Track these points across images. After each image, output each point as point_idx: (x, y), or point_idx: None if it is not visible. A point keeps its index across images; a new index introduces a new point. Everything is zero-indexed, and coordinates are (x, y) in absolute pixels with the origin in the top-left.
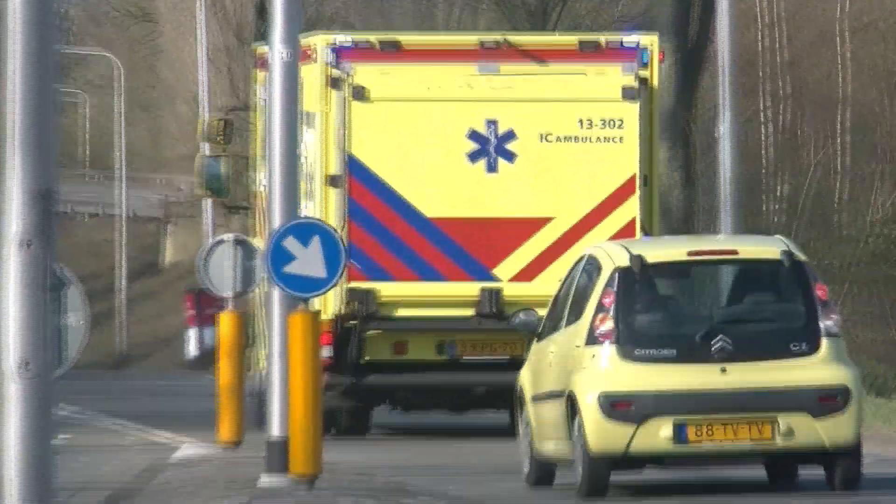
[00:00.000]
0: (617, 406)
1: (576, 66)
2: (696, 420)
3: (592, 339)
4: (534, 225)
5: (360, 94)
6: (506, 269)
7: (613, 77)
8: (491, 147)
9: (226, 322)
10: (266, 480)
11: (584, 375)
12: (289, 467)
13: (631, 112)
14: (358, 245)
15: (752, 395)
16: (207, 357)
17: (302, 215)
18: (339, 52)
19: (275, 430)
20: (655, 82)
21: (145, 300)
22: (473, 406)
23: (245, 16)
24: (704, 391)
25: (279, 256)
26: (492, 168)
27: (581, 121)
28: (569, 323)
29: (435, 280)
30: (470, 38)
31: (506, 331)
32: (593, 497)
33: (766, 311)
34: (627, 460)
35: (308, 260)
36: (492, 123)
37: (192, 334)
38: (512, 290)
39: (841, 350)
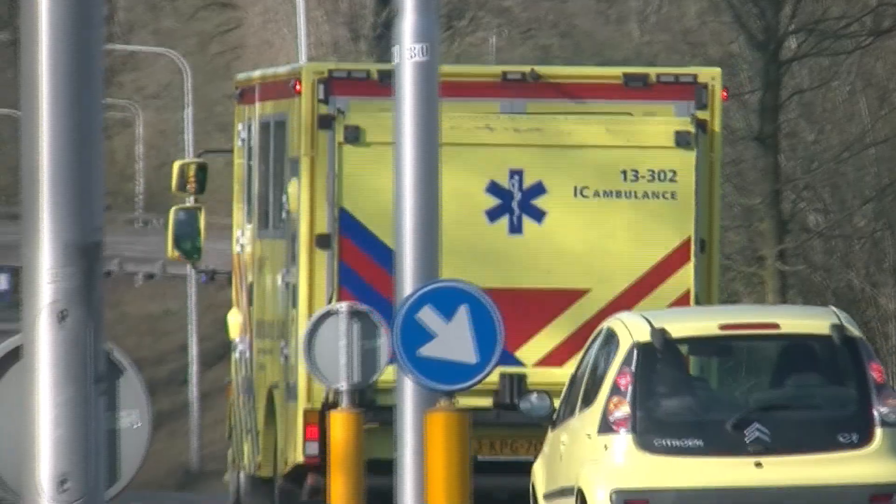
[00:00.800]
0: None
1: (620, 105)
2: None
3: (606, 427)
4: (565, 298)
5: (354, 135)
6: (531, 352)
7: (665, 119)
8: (514, 203)
9: (339, 424)
10: None
11: (595, 469)
12: None
13: (686, 162)
14: None
15: (793, 495)
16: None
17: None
18: (330, 84)
19: None
20: (717, 126)
21: (223, 394)
22: None
23: (361, 2)
24: (736, 488)
25: (412, 334)
26: (515, 229)
27: (625, 172)
28: (582, 408)
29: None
30: (492, 70)
31: (531, 426)
32: None
33: (811, 396)
34: None
35: (451, 339)
36: (516, 174)
37: None
38: (538, 377)
39: None
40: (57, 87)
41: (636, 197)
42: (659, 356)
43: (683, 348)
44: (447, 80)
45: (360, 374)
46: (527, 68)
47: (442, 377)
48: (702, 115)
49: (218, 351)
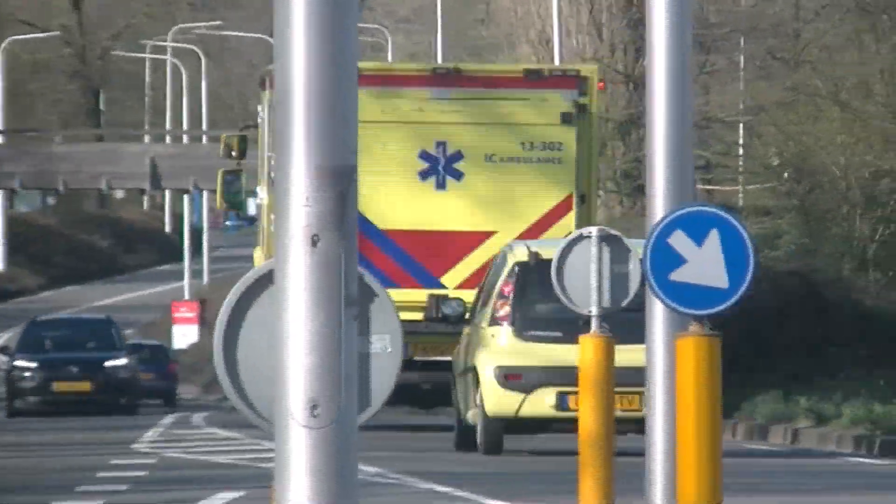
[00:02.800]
0: (510, 377)
1: (521, 92)
2: (576, 391)
3: (493, 321)
4: (478, 238)
5: None
6: (452, 278)
7: (554, 103)
8: (440, 166)
9: (589, 348)
10: None
11: (484, 352)
12: None
13: (569, 135)
14: None
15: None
16: None
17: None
18: None
19: (657, 497)
20: (594, 108)
21: None
22: (429, 404)
23: None
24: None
25: (663, 258)
26: (440, 185)
27: (523, 143)
28: (480, 309)
29: (387, 287)
30: (425, 66)
31: (453, 334)
32: (490, 453)
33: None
34: (518, 423)
35: (703, 263)
36: (441, 144)
37: None
38: (456, 296)
39: None
40: (312, 10)
41: (532, 162)
42: (532, 271)
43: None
44: (393, 74)
45: (610, 299)
46: (451, 65)
47: (693, 302)
48: (582, 100)
49: None
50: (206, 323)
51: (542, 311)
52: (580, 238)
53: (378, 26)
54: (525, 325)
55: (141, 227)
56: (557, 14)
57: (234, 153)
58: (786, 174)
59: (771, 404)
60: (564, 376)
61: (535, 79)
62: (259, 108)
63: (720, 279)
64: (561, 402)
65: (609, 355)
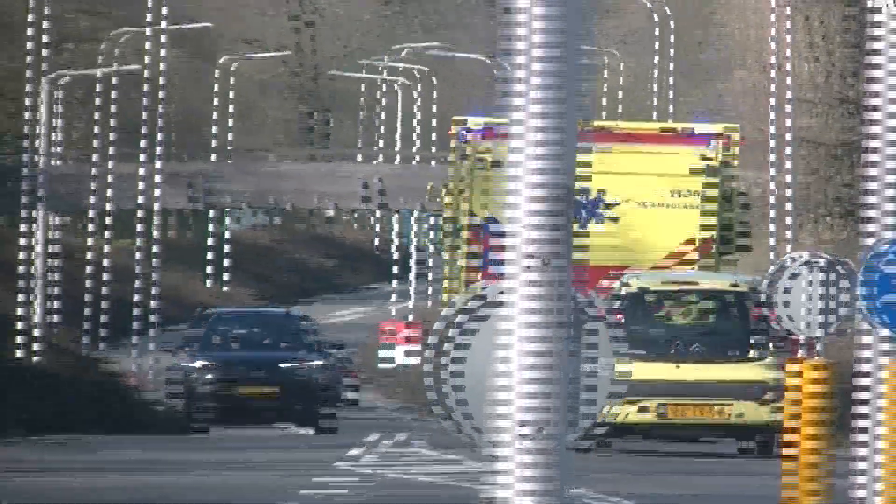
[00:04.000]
0: None
1: (656, 147)
2: (675, 402)
3: None
4: (612, 272)
5: (495, 164)
6: None
7: (684, 157)
8: (582, 208)
9: (810, 374)
10: None
11: None
12: None
13: (696, 185)
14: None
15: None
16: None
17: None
18: (470, 132)
19: None
20: (736, 161)
21: None
22: None
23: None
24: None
25: (878, 283)
26: (582, 225)
27: (656, 190)
28: None
29: None
30: (589, 124)
31: None
32: (601, 453)
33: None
34: (626, 429)
35: None
36: (584, 190)
37: None
38: None
39: None
40: (545, 28)
41: (663, 207)
42: (640, 300)
43: (656, 295)
44: None
45: (836, 325)
46: (610, 123)
47: None
48: (709, 154)
49: None
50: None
51: (646, 334)
52: (807, 264)
53: (610, 48)
54: (632, 345)
55: (361, 246)
56: (791, 39)
57: (438, 199)
58: None
59: None
60: (667, 390)
61: (670, 135)
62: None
63: None
64: (661, 412)
65: (830, 382)
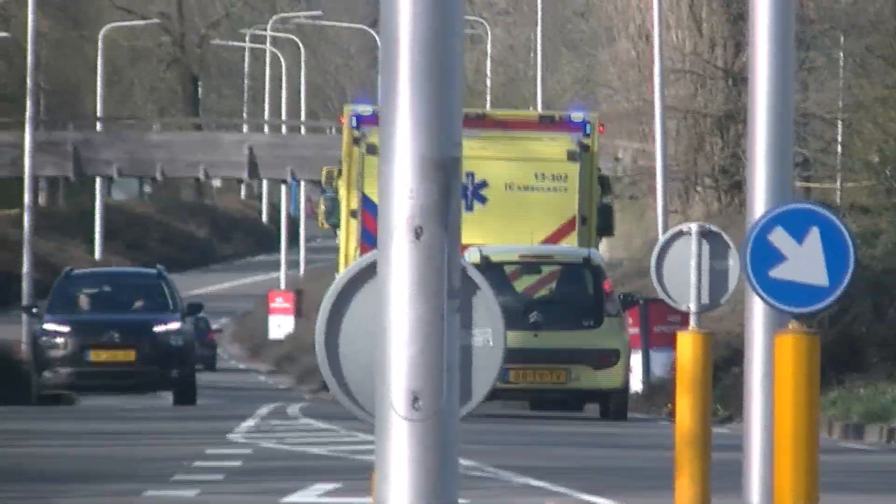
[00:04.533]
0: None
1: (536, 133)
2: (516, 367)
3: None
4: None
5: (371, 149)
6: None
7: (562, 143)
8: (468, 192)
9: (687, 345)
10: None
11: None
12: None
13: (573, 169)
14: None
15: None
16: (656, 392)
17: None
18: (360, 119)
19: (754, 496)
20: (595, 147)
21: None
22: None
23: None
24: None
25: (763, 255)
26: (469, 208)
27: (537, 174)
28: None
29: None
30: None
31: None
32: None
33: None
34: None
35: (803, 261)
36: (469, 174)
37: (635, 361)
38: None
39: None
40: (417, 2)
41: (543, 190)
42: (482, 272)
43: (500, 266)
44: None
45: (710, 296)
46: (480, 110)
47: (793, 299)
48: (585, 140)
49: None
50: (301, 313)
51: (504, 304)
52: (679, 234)
53: (478, 18)
54: None
55: (237, 216)
56: (658, 9)
57: (333, 182)
58: (887, 171)
59: (866, 403)
60: (527, 357)
61: (547, 122)
62: (344, 144)
63: (820, 277)
64: (503, 376)
65: (707, 352)
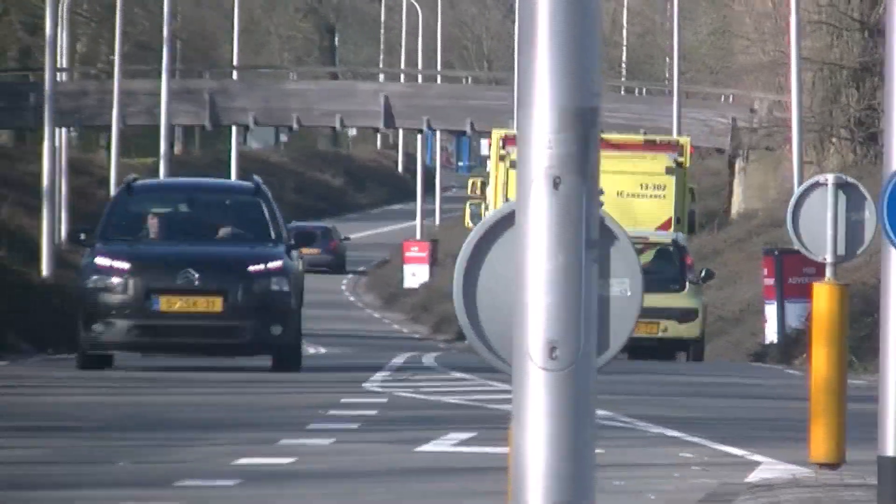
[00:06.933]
0: None
1: (642, 153)
2: None
3: None
4: None
5: (514, 164)
6: None
7: (661, 161)
8: None
9: (823, 296)
10: None
11: None
12: None
13: (670, 181)
14: None
15: None
16: (791, 344)
17: None
18: (505, 140)
19: (889, 448)
20: (687, 164)
21: (706, 263)
22: None
23: None
24: None
25: None
26: None
27: (642, 184)
28: None
29: None
30: None
31: None
32: None
33: None
34: None
35: None
36: None
37: (770, 311)
38: None
39: None
40: None
41: (647, 197)
42: None
43: None
44: None
45: (846, 247)
46: (604, 135)
47: None
48: (679, 159)
49: (699, 220)
50: (436, 263)
51: None
52: (816, 185)
53: None
54: None
55: (373, 165)
56: None
57: (478, 192)
58: None
59: None
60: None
61: (650, 144)
62: (490, 158)
63: None
64: None
65: (843, 304)
